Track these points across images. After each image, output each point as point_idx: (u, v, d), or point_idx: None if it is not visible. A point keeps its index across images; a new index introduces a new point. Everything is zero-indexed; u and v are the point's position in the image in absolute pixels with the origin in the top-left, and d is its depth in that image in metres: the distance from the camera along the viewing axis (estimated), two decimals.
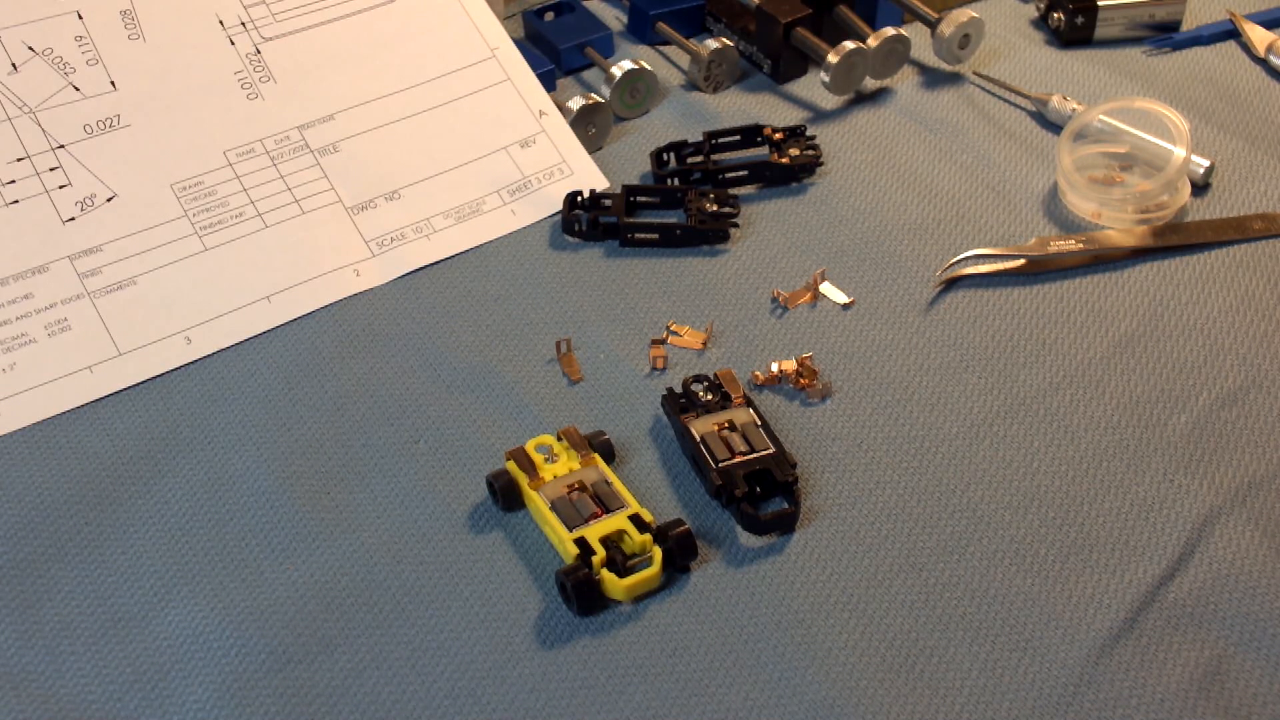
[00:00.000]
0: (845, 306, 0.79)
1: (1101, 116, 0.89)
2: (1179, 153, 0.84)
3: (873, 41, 0.94)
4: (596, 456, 0.68)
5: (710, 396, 0.71)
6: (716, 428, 0.69)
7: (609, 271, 0.83)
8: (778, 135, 0.90)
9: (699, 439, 0.69)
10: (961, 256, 0.81)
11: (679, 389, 0.72)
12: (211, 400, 0.75)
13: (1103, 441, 0.70)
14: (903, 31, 0.96)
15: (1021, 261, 0.81)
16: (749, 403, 0.71)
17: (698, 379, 0.72)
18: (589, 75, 1.00)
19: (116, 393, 0.75)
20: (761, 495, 0.67)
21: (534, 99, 0.92)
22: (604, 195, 0.86)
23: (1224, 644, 0.61)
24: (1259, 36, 1.00)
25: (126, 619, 0.63)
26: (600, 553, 0.63)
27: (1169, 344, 0.76)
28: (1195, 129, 0.91)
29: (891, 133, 0.94)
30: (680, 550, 0.64)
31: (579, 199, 0.86)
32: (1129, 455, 0.70)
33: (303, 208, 0.84)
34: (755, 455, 0.68)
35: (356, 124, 0.88)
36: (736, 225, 0.85)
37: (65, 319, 0.77)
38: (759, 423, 0.70)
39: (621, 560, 0.63)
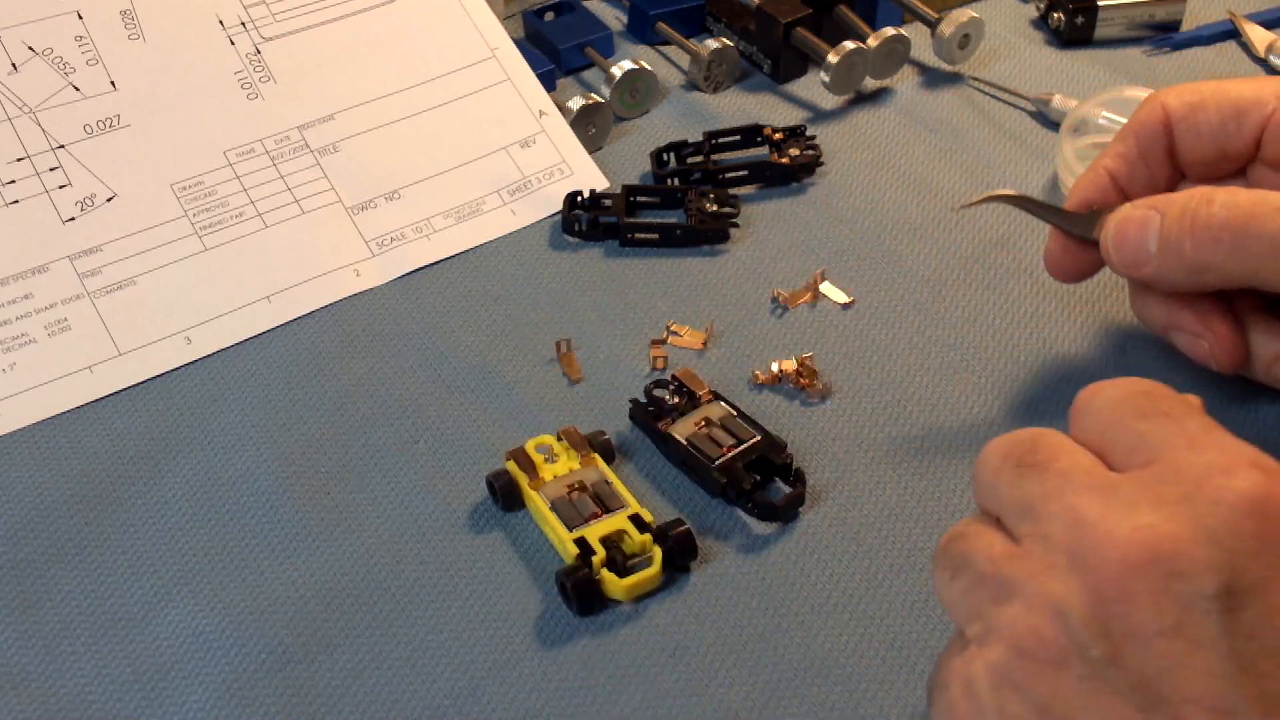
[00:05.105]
0: (845, 306, 0.79)
1: (1104, 113, 0.89)
2: None
3: (873, 41, 0.94)
4: (596, 456, 0.68)
5: (677, 399, 0.71)
6: (697, 427, 0.69)
7: (609, 271, 0.83)
8: (778, 135, 0.90)
9: (685, 442, 0.68)
10: (988, 194, 0.73)
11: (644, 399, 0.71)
12: (211, 400, 0.75)
13: None
14: (903, 31, 0.96)
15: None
16: (716, 396, 0.71)
17: (659, 384, 0.72)
18: (589, 75, 1.00)
19: (116, 393, 0.75)
20: (762, 482, 0.67)
21: (534, 99, 0.92)
22: (604, 195, 0.86)
23: None
24: (1259, 36, 1.00)
25: (126, 619, 0.63)
26: (600, 553, 0.63)
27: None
28: None
29: (891, 133, 0.94)
30: (680, 550, 0.64)
31: (579, 199, 0.86)
32: None
33: (303, 208, 0.84)
34: (746, 445, 0.68)
35: (356, 124, 0.88)
36: (736, 225, 0.85)
37: (65, 319, 0.77)
38: (735, 413, 0.70)
39: (621, 560, 0.63)
